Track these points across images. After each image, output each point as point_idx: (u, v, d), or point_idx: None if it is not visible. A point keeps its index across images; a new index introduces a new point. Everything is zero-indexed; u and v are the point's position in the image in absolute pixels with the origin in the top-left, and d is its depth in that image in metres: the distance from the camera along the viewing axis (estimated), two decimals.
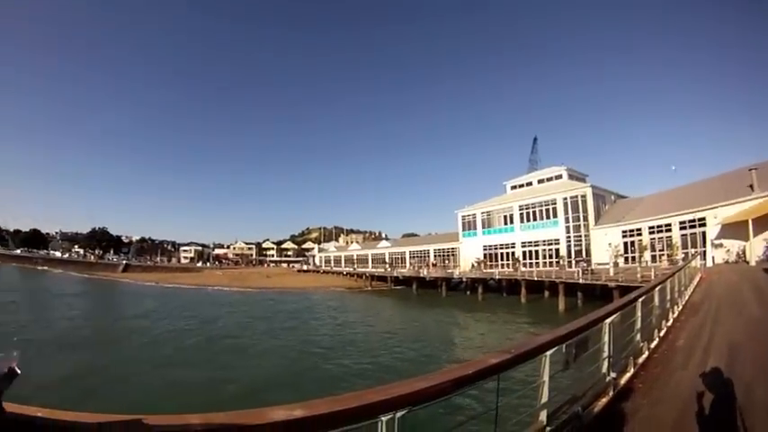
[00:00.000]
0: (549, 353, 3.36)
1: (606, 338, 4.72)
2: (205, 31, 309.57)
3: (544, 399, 3.53)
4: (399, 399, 2.11)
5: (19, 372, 1.40)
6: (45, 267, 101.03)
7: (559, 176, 54.32)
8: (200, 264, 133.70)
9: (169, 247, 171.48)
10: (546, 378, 3.48)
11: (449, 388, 2.35)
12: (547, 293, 39.44)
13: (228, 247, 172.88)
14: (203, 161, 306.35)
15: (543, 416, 3.56)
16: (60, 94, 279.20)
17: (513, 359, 2.86)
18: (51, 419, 1.63)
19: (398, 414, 2.09)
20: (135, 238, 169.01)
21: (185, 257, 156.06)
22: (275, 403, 1.91)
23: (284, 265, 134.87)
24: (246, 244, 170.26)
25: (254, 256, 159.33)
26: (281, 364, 19.05)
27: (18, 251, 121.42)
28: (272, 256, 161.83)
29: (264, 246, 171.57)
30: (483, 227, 60.05)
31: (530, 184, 58.68)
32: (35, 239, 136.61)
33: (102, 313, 37.83)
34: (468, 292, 49.06)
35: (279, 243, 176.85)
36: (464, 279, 51.96)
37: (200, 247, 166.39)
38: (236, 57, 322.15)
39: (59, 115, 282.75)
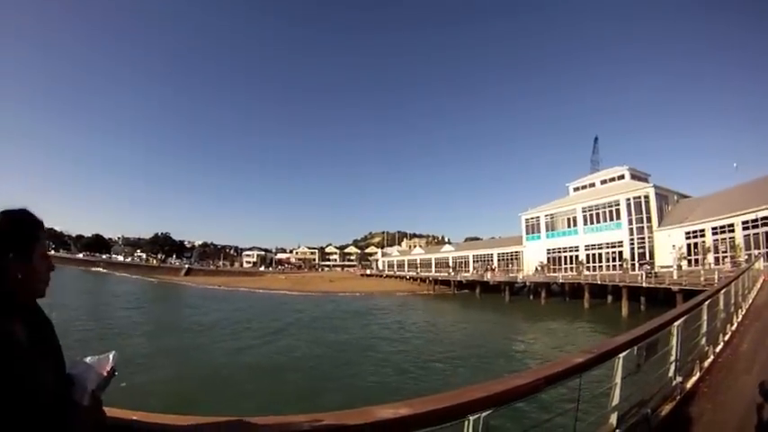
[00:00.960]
0: (622, 355, 3.47)
1: (674, 342, 4.81)
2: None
3: (615, 401, 3.56)
4: (494, 397, 2.18)
5: (116, 373, 1.49)
6: (107, 270, 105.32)
7: (622, 177, 53.27)
8: (262, 268, 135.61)
9: (231, 252, 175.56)
10: (618, 380, 3.53)
11: (541, 385, 2.45)
12: (610, 298, 38.80)
13: (291, 252, 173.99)
14: (268, 166, 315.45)
15: (614, 418, 3.61)
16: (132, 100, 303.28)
17: (595, 359, 3.02)
18: (148, 423, 1.70)
19: (485, 413, 2.10)
20: (197, 242, 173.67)
21: (248, 262, 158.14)
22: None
23: (338, 269, 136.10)
24: (309, 248, 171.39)
25: (316, 261, 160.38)
26: (361, 363, 19.72)
27: (80, 255, 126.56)
28: (335, 260, 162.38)
29: (327, 250, 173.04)
30: (547, 230, 59.58)
31: (592, 185, 57.90)
32: (97, 244, 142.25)
33: (172, 316, 38.61)
34: (531, 297, 48.88)
35: (342, 248, 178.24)
36: (527, 283, 51.64)
37: (262, 252, 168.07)
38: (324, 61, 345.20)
39: (126, 125, 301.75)
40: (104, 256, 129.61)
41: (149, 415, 1.73)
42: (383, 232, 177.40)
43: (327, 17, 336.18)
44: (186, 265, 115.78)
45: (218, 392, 14.63)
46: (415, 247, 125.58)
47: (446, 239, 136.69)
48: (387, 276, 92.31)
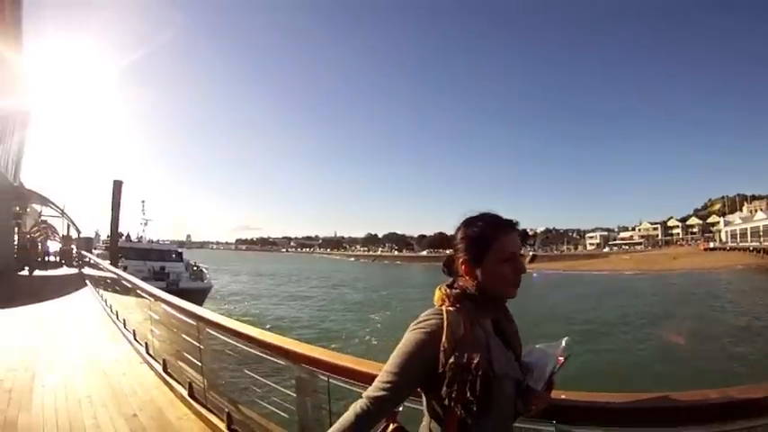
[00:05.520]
0: None
1: None
2: None
3: None
4: None
5: (569, 357, 1.54)
6: None
7: None
8: (606, 249, 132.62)
9: (574, 235, 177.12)
10: None
11: None
12: None
13: (633, 229, 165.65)
14: (608, 144, 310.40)
15: None
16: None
17: None
18: (578, 401, 1.74)
19: None
20: (539, 229, 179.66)
21: (591, 244, 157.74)
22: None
23: (682, 244, 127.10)
24: (651, 224, 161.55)
25: (659, 237, 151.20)
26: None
27: (424, 252, 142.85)
28: (678, 234, 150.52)
29: (669, 224, 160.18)
30: None
31: None
32: (441, 241, 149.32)
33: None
34: None
35: (683, 220, 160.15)
36: None
37: (605, 233, 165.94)
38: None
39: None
40: (448, 252, 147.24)
41: (577, 393, 1.79)
42: (722, 197, 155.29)
43: None
44: (531, 252, 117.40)
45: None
46: (756, 211, 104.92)
47: None
48: (730, 249, 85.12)
